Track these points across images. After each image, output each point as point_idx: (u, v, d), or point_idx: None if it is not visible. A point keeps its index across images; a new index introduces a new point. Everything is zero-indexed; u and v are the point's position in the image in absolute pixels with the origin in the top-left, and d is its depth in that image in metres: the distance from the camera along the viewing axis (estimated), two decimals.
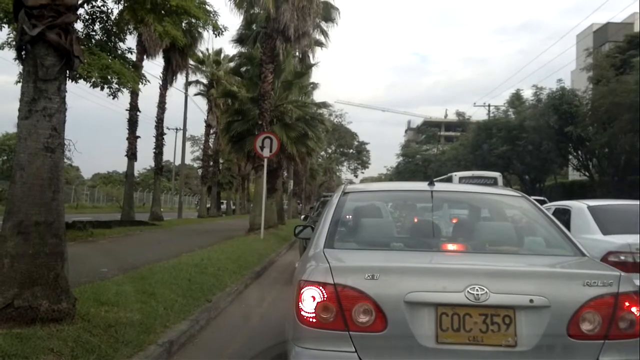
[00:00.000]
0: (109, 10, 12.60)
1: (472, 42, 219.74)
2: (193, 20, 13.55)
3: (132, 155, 24.66)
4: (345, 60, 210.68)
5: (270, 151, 15.35)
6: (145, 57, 24.71)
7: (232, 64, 31.53)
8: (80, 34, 11.66)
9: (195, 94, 39.10)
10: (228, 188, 52.60)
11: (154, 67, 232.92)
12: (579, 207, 6.12)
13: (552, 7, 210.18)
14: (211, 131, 39.24)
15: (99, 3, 12.33)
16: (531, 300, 2.48)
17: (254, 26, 22.13)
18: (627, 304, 2.53)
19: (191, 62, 32.55)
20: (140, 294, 5.87)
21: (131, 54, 15.51)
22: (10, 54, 14.02)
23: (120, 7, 11.95)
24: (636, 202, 7.06)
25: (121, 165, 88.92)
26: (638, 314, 2.52)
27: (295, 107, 23.25)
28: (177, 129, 45.63)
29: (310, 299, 2.57)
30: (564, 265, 2.99)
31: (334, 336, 2.53)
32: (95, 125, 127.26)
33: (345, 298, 2.54)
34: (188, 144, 54.37)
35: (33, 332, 3.91)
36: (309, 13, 18.71)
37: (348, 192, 3.77)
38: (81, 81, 12.00)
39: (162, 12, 11.14)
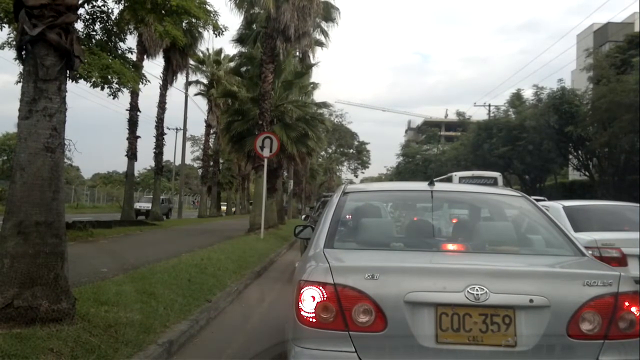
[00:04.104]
0: (110, 10, 12.60)
1: (473, 41, 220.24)
2: (193, 20, 13.56)
3: (132, 155, 24.68)
4: (345, 60, 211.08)
5: (271, 151, 15.35)
6: (145, 57, 24.75)
7: (232, 64, 31.52)
8: (80, 33, 11.68)
9: (196, 94, 39.18)
10: (228, 188, 52.60)
11: (154, 67, 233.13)
12: (556, 206, 6.61)
13: (554, 7, 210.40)
14: (211, 131, 39.26)
15: (100, 3, 12.33)
16: (531, 300, 2.48)
17: (254, 26, 22.12)
18: (626, 303, 2.52)
19: (191, 62, 32.58)
20: (140, 294, 5.87)
21: (131, 53, 15.52)
22: (10, 53, 14.02)
23: (121, 6, 11.96)
24: (609, 203, 7.56)
25: (121, 165, 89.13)
26: (638, 314, 2.52)
27: (295, 107, 23.24)
28: (177, 129, 45.72)
29: (310, 299, 2.57)
30: (564, 265, 2.98)
31: (333, 336, 2.53)
32: (95, 125, 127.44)
33: (345, 298, 2.53)
34: (188, 144, 54.41)
35: (33, 332, 3.90)
36: (309, 13, 18.71)
37: (348, 192, 3.77)
38: (81, 81, 12.02)
39: (163, 12, 11.14)
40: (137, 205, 33.69)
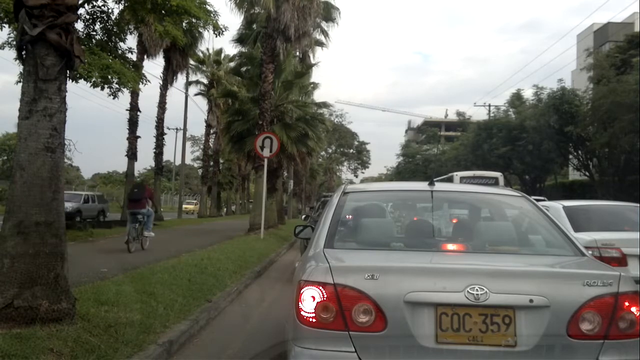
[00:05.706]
0: (110, 10, 12.60)
1: (474, 41, 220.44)
2: (193, 20, 13.56)
3: (132, 155, 24.65)
4: (345, 60, 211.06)
5: (271, 151, 15.35)
6: (145, 56, 24.71)
7: (232, 64, 31.54)
8: (80, 33, 11.68)
9: (196, 94, 39.19)
10: (228, 188, 52.58)
11: (154, 67, 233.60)
12: (556, 206, 6.61)
13: (554, 7, 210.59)
14: (211, 131, 39.27)
15: (100, 3, 12.33)
16: (531, 300, 2.48)
17: (254, 26, 22.11)
18: (626, 303, 2.52)
19: (191, 62, 32.57)
20: (140, 294, 5.88)
21: (131, 53, 15.51)
22: (10, 53, 14.03)
23: (121, 6, 11.96)
24: (609, 203, 7.55)
25: (121, 165, 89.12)
26: (638, 314, 2.52)
27: (295, 107, 23.23)
28: (177, 129, 45.72)
29: (310, 299, 2.57)
30: (564, 265, 2.98)
31: (333, 336, 2.53)
32: (95, 125, 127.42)
33: (345, 298, 2.53)
34: (188, 144, 54.42)
35: (33, 332, 3.91)
36: (309, 13, 18.72)
37: (348, 192, 3.77)
38: (81, 81, 12.00)
39: (163, 11, 11.15)
40: None
